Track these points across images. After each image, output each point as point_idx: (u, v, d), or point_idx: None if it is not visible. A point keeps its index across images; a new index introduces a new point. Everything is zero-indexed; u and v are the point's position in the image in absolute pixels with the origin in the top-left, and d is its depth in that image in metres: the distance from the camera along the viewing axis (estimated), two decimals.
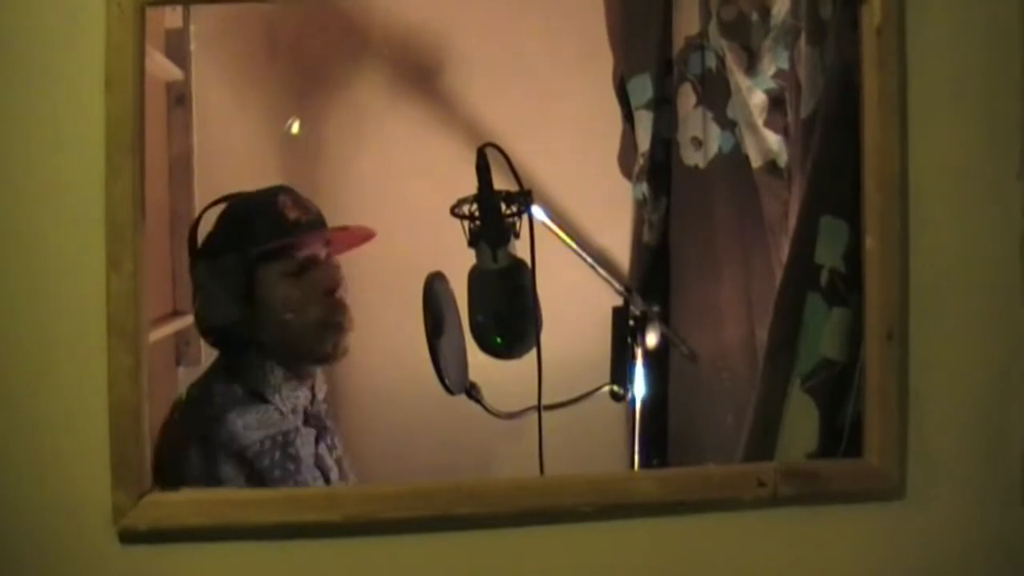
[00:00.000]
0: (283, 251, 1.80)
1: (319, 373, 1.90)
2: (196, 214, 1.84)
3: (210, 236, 1.81)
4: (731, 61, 1.96)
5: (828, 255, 1.55)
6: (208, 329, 1.80)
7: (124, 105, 1.33)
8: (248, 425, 1.76)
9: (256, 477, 1.74)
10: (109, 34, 1.32)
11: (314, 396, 1.87)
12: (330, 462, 1.86)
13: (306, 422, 1.84)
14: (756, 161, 1.95)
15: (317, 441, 1.85)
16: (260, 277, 1.79)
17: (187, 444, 1.71)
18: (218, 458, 1.72)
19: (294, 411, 1.82)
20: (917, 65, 1.47)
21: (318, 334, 1.82)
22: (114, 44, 1.32)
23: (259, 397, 1.79)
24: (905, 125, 1.47)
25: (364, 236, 1.92)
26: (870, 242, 1.47)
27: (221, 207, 1.82)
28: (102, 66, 1.33)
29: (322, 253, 1.84)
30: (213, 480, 1.70)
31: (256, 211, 1.81)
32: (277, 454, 1.77)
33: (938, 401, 1.49)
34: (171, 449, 1.68)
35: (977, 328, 1.50)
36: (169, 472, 1.64)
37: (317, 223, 1.84)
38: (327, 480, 1.83)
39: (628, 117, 2.15)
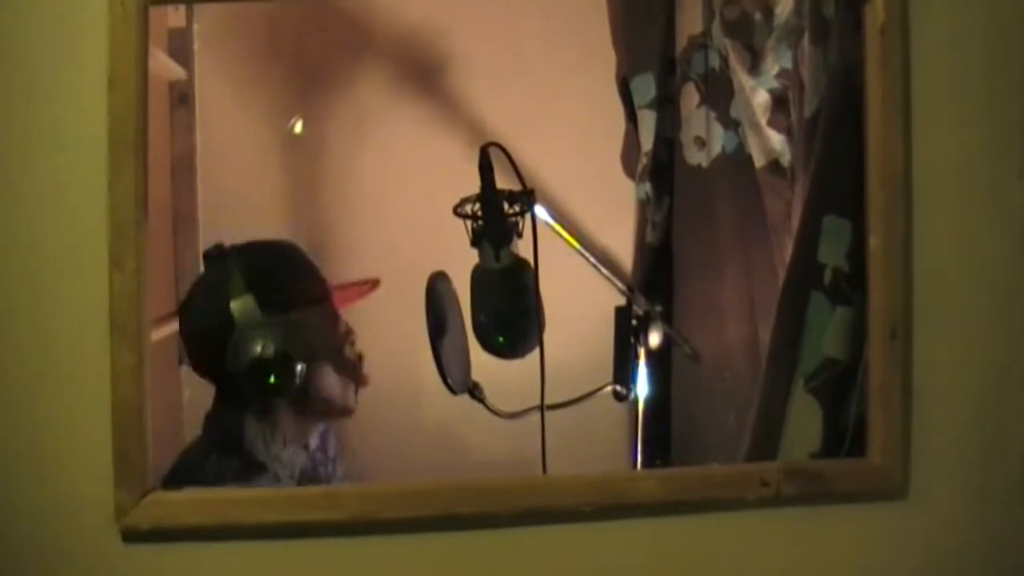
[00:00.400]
0: (325, 297, 1.78)
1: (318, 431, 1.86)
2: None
3: (236, 285, 1.70)
4: (734, 60, 1.96)
5: (831, 254, 1.55)
6: (272, 379, 1.69)
7: (127, 104, 1.33)
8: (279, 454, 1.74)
9: None
10: (112, 33, 1.32)
11: (313, 457, 1.83)
12: None
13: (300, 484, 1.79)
14: (759, 161, 1.95)
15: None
16: (306, 325, 1.73)
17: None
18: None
19: (291, 476, 1.77)
20: (920, 64, 1.47)
21: (341, 385, 1.80)
22: (117, 43, 1.32)
23: (256, 465, 1.73)
24: (908, 124, 1.47)
25: (368, 288, 1.93)
26: (873, 241, 1.47)
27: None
28: (105, 65, 1.33)
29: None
30: None
31: (285, 263, 1.78)
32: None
33: (941, 401, 1.49)
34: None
35: (980, 327, 1.50)
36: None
37: (323, 276, 1.81)
38: None
39: (631, 117, 2.15)
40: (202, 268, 1.77)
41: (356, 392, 1.82)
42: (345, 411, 1.82)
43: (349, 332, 1.82)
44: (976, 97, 1.49)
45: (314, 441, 1.83)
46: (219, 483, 1.67)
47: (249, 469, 1.72)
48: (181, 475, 1.65)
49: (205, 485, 1.64)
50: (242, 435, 1.73)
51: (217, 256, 1.72)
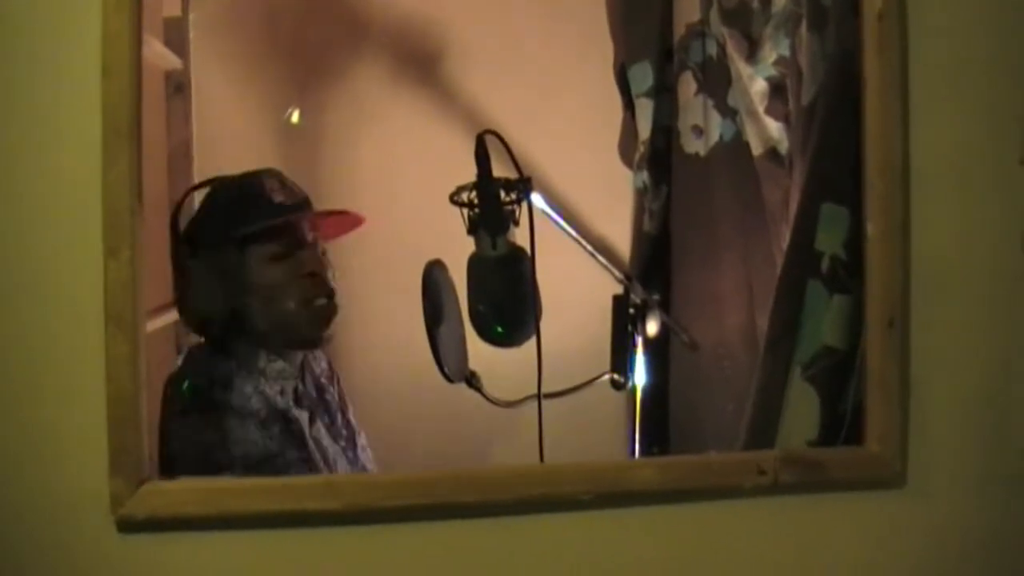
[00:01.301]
0: (268, 234, 1.77)
1: (312, 355, 1.89)
2: (178, 200, 1.82)
3: (194, 221, 1.80)
4: (732, 48, 1.96)
5: (829, 242, 1.55)
6: (194, 316, 1.77)
7: (121, 91, 1.32)
8: (253, 391, 1.75)
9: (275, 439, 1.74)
10: (105, 20, 1.31)
11: (304, 376, 1.86)
12: (330, 446, 1.85)
13: (297, 403, 1.82)
14: (757, 149, 1.94)
15: (312, 423, 1.83)
16: (245, 261, 1.76)
17: (200, 421, 1.71)
18: (242, 422, 1.72)
19: (282, 393, 1.79)
20: (918, 51, 1.47)
21: (302, 317, 1.79)
22: (110, 30, 1.31)
23: (247, 372, 1.77)
24: (906, 111, 1.46)
25: (353, 222, 1.91)
26: (871, 229, 1.47)
27: (205, 191, 1.81)
28: (99, 52, 1.32)
29: (308, 237, 1.81)
30: (239, 444, 1.70)
31: (241, 194, 1.79)
32: (277, 428, 1.76)
33: (939, 389, 1.49)
34: (181, 432, 1.69)
35: (978, 315, 1.50)
36: (181, 458, 1.66)
37: (303, 206, 1.82)
38: (326, 461, 1.81)
39: (628, 105, 2.15)
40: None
41: (325, 325, 1.81)
42: (310, 343, 1.84)
43: (315, 271, 1.80)
44: (975, 84, 1.49)
45: (299, 362, 1.85)
46: (228, 379, 1.75)
47: (241, 371, 1.77)
48: (192, 388, 1.74)
49: (217, 384, 1.74)
50: (226, 349, 1.78)
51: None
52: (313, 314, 1.80)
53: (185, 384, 1.76)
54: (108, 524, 1.35)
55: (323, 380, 1.91)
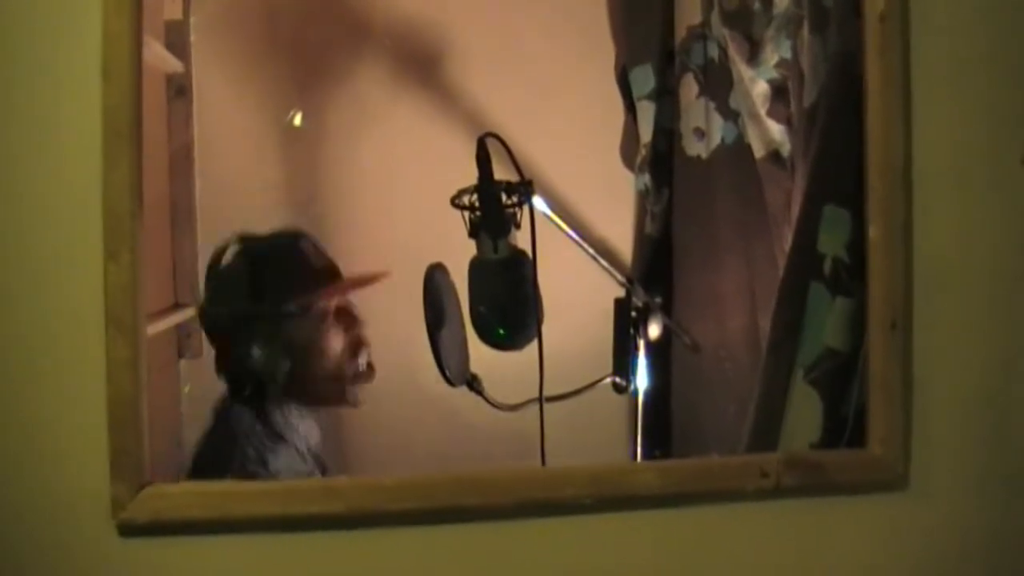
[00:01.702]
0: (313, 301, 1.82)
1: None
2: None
3: (230, 282, 1.81)
4: (733, 51, 1.95)
5: (831, 244, 1.54)
6: (239, 376, 1.79)
7: (121, 94, 1.32)
8: (277, 469, 1.77)
9: None
10: (106, 21, 1.31)
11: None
12: None
13: (318, 467, 1.84)
14: (759, 151, 1.94)
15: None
16: (295, 330, 1.81)
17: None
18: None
19: (309, 451, 1.83)
20: (920, 52, 1.47)
21: (350, 379, 1.85)
22: (111, 32, 1.31)
23: (279, 437, 1.79)
24: (908, 113, 1.46)
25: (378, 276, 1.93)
26: (873, 231, 1.46)
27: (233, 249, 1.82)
28: (99, 55, 1.31)
29: (344, 298, 1.87)
30: None
31: (282, 260, 1.83)
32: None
33: (942, 391, 1.49)
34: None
35: (981, 317, 1.50)
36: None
37: (335, 269, 1.86)
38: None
39: (630, 108, 2.14)
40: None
41: (356, 390, 1.85)
42: (345, 405, 1.87)
43: (358, 342, 1.85)
44: (976, 84, 1.48)
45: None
46: (260, 453, 1.75)
47: (273, 439, 1.78)
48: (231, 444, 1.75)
49: (249, 455, 1.74)
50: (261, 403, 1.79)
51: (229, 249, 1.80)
52: (358, 376, 1.85)
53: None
54: (109, 528, 1.35)
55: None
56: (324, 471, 1.85)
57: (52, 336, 1.34)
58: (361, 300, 1.90)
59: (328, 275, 1.84)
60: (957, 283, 1.49)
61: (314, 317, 1.81)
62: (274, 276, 1.81)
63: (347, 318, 1.85)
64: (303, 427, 1.82)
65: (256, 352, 1.75)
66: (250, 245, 1.82)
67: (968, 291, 1.49)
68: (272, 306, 1.78)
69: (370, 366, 1.87)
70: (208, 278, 1.81)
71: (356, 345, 1.85)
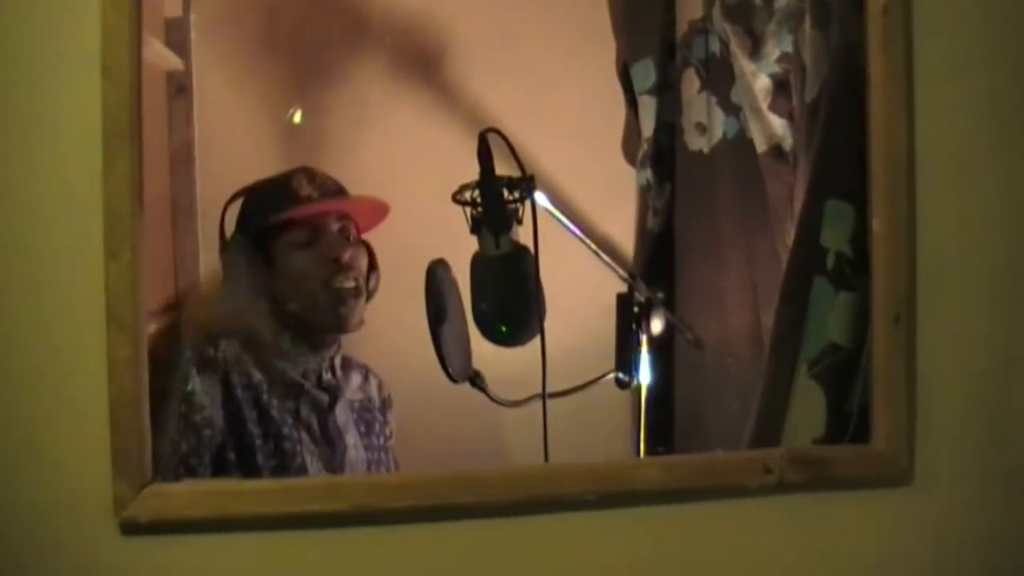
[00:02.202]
0: (291, 224, 1.85)
1: (355, 367, 1.95)
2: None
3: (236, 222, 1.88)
4: (735, 45, 1.95)
5: (834, 238, 1.54)
6: (233, 309, 1.85)
7: (121, 92, 1.31)
8: (244, 359, 1.81)
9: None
10: (104, 19, 1.30)
11: (333, 366, 1.90)
12: (354, 436, 1.90)
13: (319, 387, 1.87)
14: (761, 146, 1.94)
15: (331, 408, 1.86)
16: (278, 252, 1.85)
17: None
18: (203, 374, 1.76)
19: (305, 375, 1.85)
20: (923, 45, 1.46)
21: (324, 300, 1.85)
22: (110, 29, 1.31)
23: (269, 354, 1.83)
24: (911, 106, 1.46)
25: (379, 209, 1.95)
26: (876, 225, 1.46)
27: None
28: (98, 52, 1.31)
29: (334, 226, 1.88)
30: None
31: (270, 191, 1.87)
32: (275, 401, 1.80)
33: (946, 385, 1.48)
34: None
35: (985, 311, 1.49)
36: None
37: (332, 197, 1.90)
38: (331, 445, 1.86)
39: (631, 103, 2.14)
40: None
41: (348, 306, 1.87)
42: (334, 326, 1.89)
43: (338, 256, 1.86)
44: (980, 77, 1.48)
45: (329, 352, 1.90)
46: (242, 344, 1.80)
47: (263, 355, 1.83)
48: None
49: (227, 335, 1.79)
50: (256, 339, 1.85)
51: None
52: (335, 296, 1.85)
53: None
54: (111, 527, 1.35)
55: (375, 402, 1.96)
56: (335, 399, 1.88)
57: (53, 335, 1.34)
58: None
59: (318, 199, 1.88)
60: (961, 277, 1.49)
61: (290, 237, 1.85)
62: (259, 207, 1.86)
63: (327, 241, 1.87)
64: (297, 352, 1.85)
65: (243, 279, 1.83)
66: (256, 185, 1.88)
67: (972, 285, 1.49)
68: (252, 232, 1.84)
69: (358, 285, 1.87)
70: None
71: (333, 267, 1.86)
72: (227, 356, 1.78)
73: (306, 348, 1.86)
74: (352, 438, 1.88)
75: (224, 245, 1.85)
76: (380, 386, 1.98)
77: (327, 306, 1.85)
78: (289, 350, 1.84)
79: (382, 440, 1.95)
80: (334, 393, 1.88)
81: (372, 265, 1.91)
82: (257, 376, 1.79)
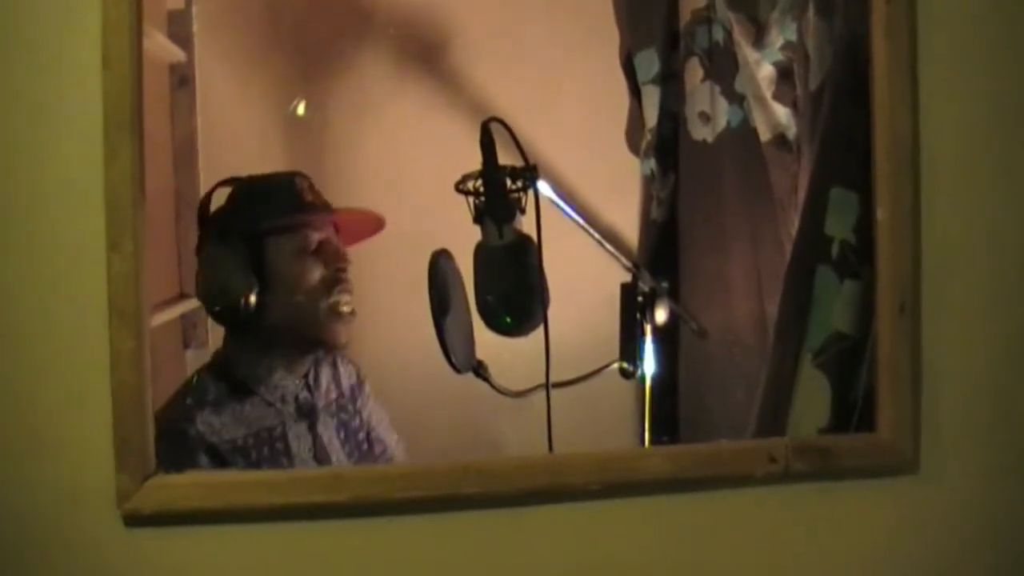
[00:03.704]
0: (297, 229, 1.81)
1: (325, 363, 1.90)
2: (203, 194, 1.84)
3: (221, 212, 1.81)
4: (738, 34, 1.95)
5: (838, 227, 1.53)
6: (214, 303, 1.79)
7: (122, 83, 1.31)
8: (223, 424, 1.75)
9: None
10: (106, 10, 1.30)
11: (308, 386, 1.86)
12: (338, 452, 1.86)
13: (299, 412, 1.83)
14: (765, 134, 1.93)
15: (313, 432, 1.83)
16: (271, 255, 1.79)
17: (163, 434, 1.70)
18: (193, 451, 1.71)
19: (283, 400, 1.81)
20: (927, 33, 1.45)
21: (324, 316, 1.81)
22: (111, 21, 1.30)
23: (244, 389, 1.79)
24: (915, 94, 1.45)
25: (374, 225, 1.92)
26: (881, 213, 1.45)
27: (230, 187, 1.82)
28: (99, 43, 1.31)
29: (333, 238, 1.85)
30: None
31: (272, 189, 1.83)
32: (266, 450, 1.77)
33: (952, 374, 1.48)
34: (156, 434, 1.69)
35: (990, 299, 1.49)
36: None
37: (328, 209, 1.85)
38: (321, 464, 1.83)
39: (635, 92, 2.14)
40: None
41: (336, 328, 1.83)
42: (326, 345, 1.86)
43: (340, 268, 1.83)
44: (984, 66, 1.47)
45: (305, 369, 1.86)
46: (198, 408, 1.73)
47: (234, 393, 1.78)
48: (178, 399, 1.74)
49: (188, 408, 1.73)
50: (233, 362, 1.80)
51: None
52: (333, 313, 1.81)
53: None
54: (115, 518, 1.35)
55: (346, 393, 1.92)
56: (314, 421, 1.85)
57: (55, 327, 1.34)
58: (366, 287, 1.89)
59: (320, 209, 1.84)
60: (966, 266, 1.48)
61: (291, 242, 1.80)
62: (264, 204, 1.81)
63: (329, 252, 1.83)
64: (275, 378, 1.81)
65: (234, 279, 1.75)
66: (246, 180, 1.83)
67: (977, 273, 1.48)
68: (247, 228, 1.78)
69: (350, 307, 1.83)
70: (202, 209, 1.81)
71: (334, 281, 1.82)
72: (203, 429, 1.73)
73: (283, 371, 1.82)
74: (336, 452, 1.86)
75: (206, 235, 1.79)
76: (349, 373, 1.94)
77: (321, 319, 1.81)
78: (264, 375, 1.80)
79: (361, 435, 1.92)
80: (312, 413, 1.85)
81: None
82: (240, 431, 1.75)
